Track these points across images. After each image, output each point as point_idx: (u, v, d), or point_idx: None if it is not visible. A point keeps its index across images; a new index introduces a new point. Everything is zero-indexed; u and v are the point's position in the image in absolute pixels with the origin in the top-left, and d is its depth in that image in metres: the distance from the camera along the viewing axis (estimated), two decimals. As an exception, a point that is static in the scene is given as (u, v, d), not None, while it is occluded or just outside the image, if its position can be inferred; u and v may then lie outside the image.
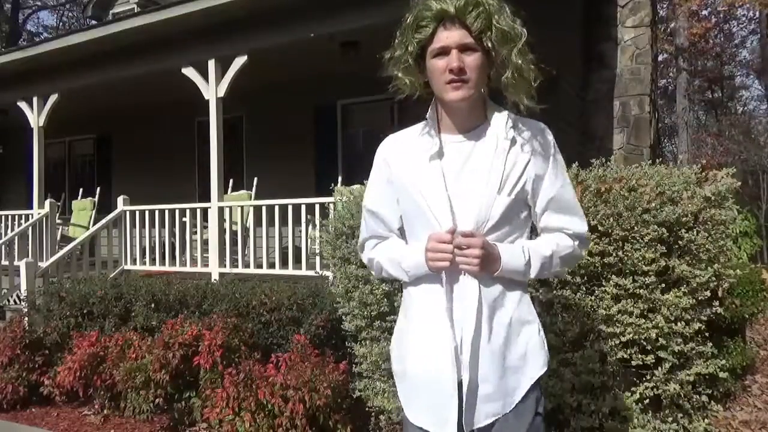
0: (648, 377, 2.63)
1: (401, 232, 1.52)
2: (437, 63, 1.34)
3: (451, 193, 1.37)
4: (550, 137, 1.43)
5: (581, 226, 1.44)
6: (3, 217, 7.88)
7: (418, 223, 1.43)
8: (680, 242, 2.58)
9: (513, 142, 1.38)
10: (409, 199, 1.43)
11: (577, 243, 1.44)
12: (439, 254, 1.33)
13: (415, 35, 1.35)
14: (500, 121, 1.40)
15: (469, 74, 1.32)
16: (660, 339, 2.56)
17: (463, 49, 1.31)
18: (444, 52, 1.32)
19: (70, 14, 25.88)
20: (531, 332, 1.42)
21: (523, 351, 1.40)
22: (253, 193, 7.06)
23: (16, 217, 7.62)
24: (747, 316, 3.52)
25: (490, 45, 1.31)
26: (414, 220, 1.44)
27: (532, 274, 1.39)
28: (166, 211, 6.08)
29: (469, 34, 1.30)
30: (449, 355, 1.35)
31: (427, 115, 1.47)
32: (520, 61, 1.31)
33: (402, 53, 1.38)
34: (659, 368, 2.58)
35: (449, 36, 1.31)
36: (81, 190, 9.09)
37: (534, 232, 1.49)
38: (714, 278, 2.60)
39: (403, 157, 1.47)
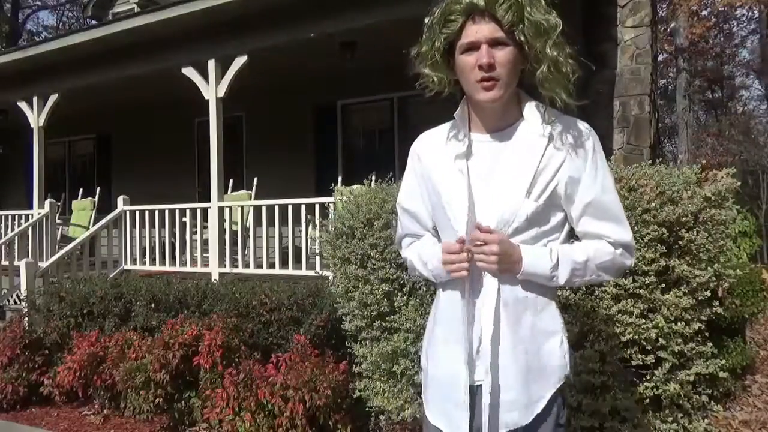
0: (648, 377, 2.62)
1: (435, 230, 1.48)
2: (466, 59, 1.27)
3: (477, 194, 1.33)
4: (592, 137, 1.34)
5: (623, 234, 1.34)
6: (3, 217, 7.88)
7: (440, 223, 1.41)
8: (680, 242, 2.58)
9: (549, 140, 1.31)
10: (434, 199, 1.41)
11: (619, 251, 1.34)
12: (454, 265, 1.29)
13: (443, 30, 1.28)
14: (535, 118, 1.33)
15: (499, 70, 1.25)
16: (660, 339, 2.56)
17: (494, 43, 1.24)
18: (473, 47, 1.25)
19: (70, 14, 25.89)
20: (554, 342, 1.36)
21: (546, 361, 1.34)
22: (253, 193, 7.06)
23: (16, 217, 7.62)
24: (747, 316, 3.52)
25: (523, 38, 1.23)
26: (438, 219, 1.43)
27: (561, 280, 1.32)
28: (166, 211, 6.08)
29: (500, 27, 1.23)
30: (462, 357, 1.33)
31: (456, 114, 1.40)
32: (556, 53, 1.23)
33: (429, 49, 1.31)
34: (659, 368, 2.58)
35: (479, 30, 1.24)
36: (81, 190, 9.08)
37: (575, 236, 1.41)
38: (714, 278, 2.60)
39: (433, 155, 1.43)
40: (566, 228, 1.38)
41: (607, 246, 1.33)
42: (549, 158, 1.30)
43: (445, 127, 1.45)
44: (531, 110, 1.34)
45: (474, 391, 1.34)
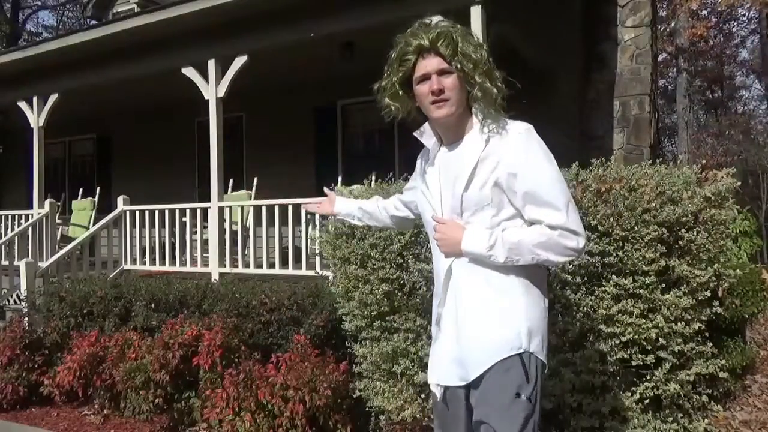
0: (648, 377, 2.62)
1: (416, 213, 1.95)
2: (421, 88, 1.61)
3: (443, 191, 1.66)
4: (527, 135, 1.56)
5: (558, 217, 1.50)
6: (3, 217, 7.87)
7: (424, 209, 1.77)
8: (680, 242, 2.58)
9: (486, 143, 1.57)
10: (420, 196, 1.79)
11: (557, 232, 1.51)
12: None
13: (400, 67, 1.62)
14: (482, 126, 1.60)
15: (447, 93, 1.57)
16: (660, 339, 2.56)
17: (441, 73, 1.57)
18: (425, 77, 1.59)
19: (70, 14, 25.89)
20: (500, 315, 1.56)
21: (486, 330, 1.56)
22: (253, 193, 7.05)
23: (16, 217, 7.62)
24: (747, 316, 3.52)
25: (459, 66, 1.54)
26: (422, 207, 1.79)
27: (500, 258, 1.53)
28: (166, 211, 6.08)
29: (443, 60, 1.56)
30: (433, 326, 1.74)
31: (415, 132, 1.74)
32: (481, 80, 1.54)
33: (388, 83, 1.66)
34: (659, 368, 2.58)
35: (428, 64, 1.58)
36: (81, 190, 9.08)
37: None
38: (714, 278, 2.60)
39: (421, 162, 1.84)
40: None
41: (544, 228, 1.52)
42: (485, 158, 1.56)
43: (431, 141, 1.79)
44: (477, 120, 1.63)
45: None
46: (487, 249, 1.53)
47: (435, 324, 1.73)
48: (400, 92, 1.65)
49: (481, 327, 1.57)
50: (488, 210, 1.57)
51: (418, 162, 1.85)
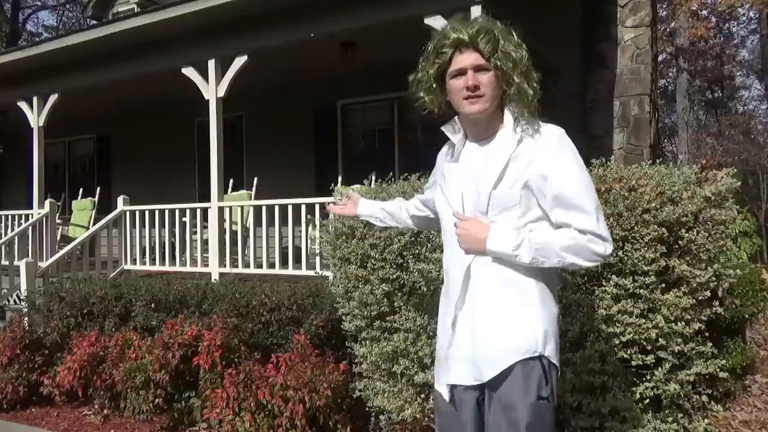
0: (648, 377, 2.62)
1: (435, 214, 1.85)
2: (456, 83, 1.58)
3: (465, 189, 1.62)
4: (560, 138, 1.56)
5: (588, 222, 1.50)
6: (3, 217, 7.88)
7: (441, 214, 1.74)
8: (680, 242, 2.57)
9: (518, 143, 1.55)
10: (438, 192, 1.76)
11: (587, 237, 1.50)
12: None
13: (436, 60, 1.60)
14: (514, 125, 1.59)
15: (482, 90, 1.54)
16: (660, 339, 2.56)
17: (477, 69, 1.54)
18: (461, 72, 1.56)
19: (70, 14, 25.91)
20: (517, 315, 1.55)
21: (503, 330, 1.55)
22: (253, 193, 7.06)
23: (16, 217, 7.62)
24: (747, 316, 3.52)
25: (499, 64, 1.53)
26: (440, 210, 1.76)
27: (525, 258, 1.51)
28: (166, 211, 6.08)
29: (481, 56, 1.54)
30: (445, 326, 1.68)
31: (443, 128, 1.72)
32: (518, 81, 1.53)
33: (424, 75, 1.64)
34: (659, 368, 2.58)
35: (465, 59, 1.55)
36: (81, 190, 9.08)
37: None
38: (714, 278, 2.60)
39: (443, 158, 1.81)
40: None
41: (572, 232, 1.51)
42: (516, 157, 1.54)
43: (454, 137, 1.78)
44: (509, 119, 1.62)
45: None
46: (514, 248, 1.51)
47: (447, 325, 1.66)
48: (434, 85, 1.64)
49: (499, 328, 1.55)
50: (515, 210, 1.55)
51: (439, 159, 1.84)
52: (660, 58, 15.25)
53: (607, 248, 1.52)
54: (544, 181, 1.52)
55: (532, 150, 1.54)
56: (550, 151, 1.53)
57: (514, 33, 1.58)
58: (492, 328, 1.56)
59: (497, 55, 1.52)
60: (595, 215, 1.51)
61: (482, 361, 1.56)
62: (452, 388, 1.65)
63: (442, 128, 1.71)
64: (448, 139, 1.75)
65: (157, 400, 3.61)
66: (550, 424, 1.55)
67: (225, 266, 5.74)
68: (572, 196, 1.51)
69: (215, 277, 5.58)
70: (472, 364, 1.58)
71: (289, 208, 5.32)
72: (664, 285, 2.59)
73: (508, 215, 1.55)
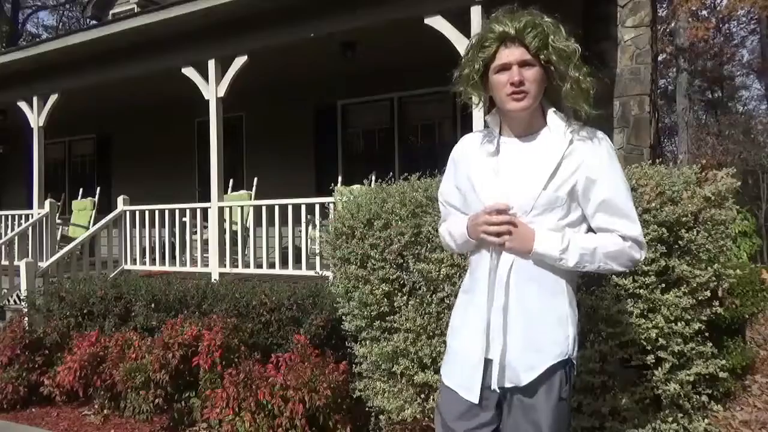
0: (648, 377, 2.62)
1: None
2: (500, 78, 1.52)
3: (504, 186, 1.55)
4: (606, 143, 1.56)
5: (632, 229, 1.53)
6: (3, 217, 7.88)
7: (472, 210, 1.62)
8: (680, 242, 2.58)
9: (569, 144, 1.53)
10: (469, 192, 1.64)
11: (629, 244, 1.52)
12: (493, 227, 1.50)
13: (480, 54, 1.53)
14: (558, 125, 1.56)
15: (528, 86, 1.49)
16: (660, 339, 2.56)
17: (523, 64, 1.49)
18: (506, 68, 1.50)
19: (70, 14, 25.91)
20: (555, 320, 1.53)
21: (543, 334, 1.52)
22: (253, 193, 7.06)
23: (16, 217, 7.62)
24: (747, 316, 3.52)
25: (547, 61, 1.48)
26: (470, 207, 1.64)
27: (570, 263, 1.50)
28: (166, 211, 6.08)
29: (527, 51, 1.48)
30: (473, 328, 1.57)
31: (487, 119, 1.67)
32: (577, 74, 1.49)
33: (470, 71, 1.57)
34: (659, 368, 2.58)
35: (510, 54, 1.50)
36: (81, 190, 9.08)
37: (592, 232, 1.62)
38: (714, 278, 2.60)
39: (468, 155, 1.69)
40: (586, 225, 1.58)
41: (616, 238, 1.52)
42: (568, 159, 1.52)
43: (481, 132, 1.72)
44: (553, 119, 1.58)
45: (487, 360, 1.56)
46: (561, 252, 1.48)
47: (476, 326, 1.57)
48: (478, 80, 1.58)
49: (538, 331, 1.53)
50: (557, 212, 1.52)
51: (462, 154, 1.71)
52: (660, 58, 15.25)
53: (642, 255, 1.55)
54: (593, 184, 1.51)
55: (583, 152, 1.52)
56: (600, 156, 1.52)
57: (562, 27, 1.53)
58: (532, 331, 1.52)
59: (546, 52, 1.47)
60: (638, 223, 1.54)
61: (519, 364, 1.52)
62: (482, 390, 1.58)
63: (486, 118, 1.67)
64: (486, 128, 1.69)
65: (157, 400, 3.61)
66: (567, 423, 1.59)
67: (225, 266, 5.74)
68: (620, 202, 1.52)
69: (215, 277, 5.58)
70: (508, 366, 1.53)
71: (289, 208, 5.32)
72: (664, 285, 2.59)
73: (550, 216, 1.51)
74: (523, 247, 1.50)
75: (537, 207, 1.50)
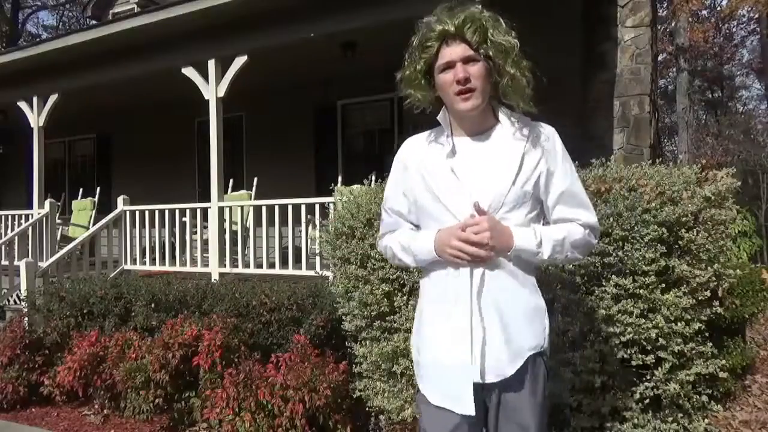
0: (648, 377, 2.62)
1: (417, 228, 1.66)
2: (445, 77, 1.49)
3: (467, 187, 1.50)
4: (558, 138, 1.57)
5: (591, 216, 1.58)
6: (3, 217, 7.87)
7: (434, 219, 1.56)
8: (680, 242, 2.58)
9: (526, 140, 1.52)
10: (426, 197, 1.57)
11: (587, 231, 1.57)
12: (463, 254, 1.45)
13: (422, 55, 1.51)
14: (512, 122, 1.55)
15: (474, 82, 1.47)
16: (660, 339, 2.56)
17: (467, 61, 1.46)
18: (450, 66, 1.48)
19: (70, 14, 25.89)
20: (531, 312, 1.55)
21: (525, 328, 1.53)
22: (253, 193, 7.05)
23: (16, 217, 7.62)
24: (747, 316, 3.52)
25: (487, 55, 1.46)
26: (430, 215, 1.57)
27: (545, 255, 1.51)
28: (166, 211, 6.08)
29: (469, 47, 1.46)
30: (459, 341, 1.50)
31: (439, 119, 1.61)
32: (513, 70, 1.46)
33: (412, 72, 1.54)
34: (659, 368, 2.58)
35: (453, 51, 1.47)
36: (81, 190, 9.08)
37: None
38: (714, 278, 2.60)
39: (419, 158, 1.61)
40: (540, 220, 1.60)
41: (578, 227, 1.56)
42: (528, 154, 1.52)
43: (426, 133, 1.66)
44: (504, 116, 1.57)
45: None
46: (537, 245, 1.49)
47: (453, 334, 1.51)
48: (422, 81, 1.55)
49: (517, 325, 1.52)
50: (525, 207, 1.52)
51: (410, 158, 1.63)
52: (660, 58, 15.25)
53: (597, 240, 1.61)
54: (552, 177, 1.53)
55: (540, 146, 1.53)
56: (556, 149, 1.55)
57: (502, 20, 1.50)
58: (511, 327, 1.51)
59: (486, 45, 1.45)
60: (593, 210, 1.59)
61: (504, 357, 1.50)
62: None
63: (439, 118, 1.61)
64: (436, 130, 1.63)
65: (157, 400, 3.61)
66: (547, 420, 1.61)
67: (225, 266, 5.74)
68: (577, 192, 1.56)
69: (215, 277, 5.58)
70: (491, 360, 1.50)
71: (289, 208, 5.32)
72: (664, 285, 2.59)
73: (518, 212, 1.51)
74: (503, 244, 1.47)
75: (506, 204, 1.49)
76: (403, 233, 1.65)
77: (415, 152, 1.63)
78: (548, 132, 1.57)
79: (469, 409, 1.48)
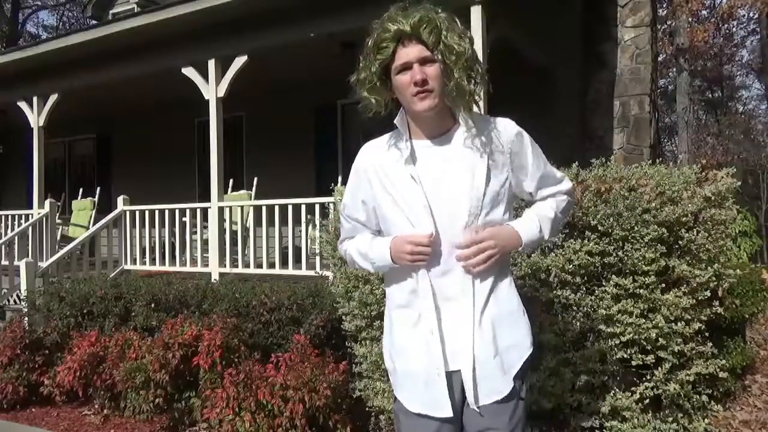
0: (648, 377, 2.62)
1: (379, 233, 1.63)
2: (402, 78, 1.45)
3: (431, 193, 1.47)
4: (519, 128, 1.56)
5: (567, 183, 1.65)
6: (3, 217, 7.88)
7: (395, 226, 1.52)
8: (680, 242, 2.58)
9: (488, 140, 1.49)
10: (387, 204, 1.53)
11: (567, 196, 1.65)
12: (420, 256, 1.44)
13: (377, 56, 1.46)
14: (470, 122, 1.50)
15: (431, 83, 1.42)
16: (660, 339, 2.56)
17: (423, 62, 1.42)
18: (406, 67, 1.44)
19: (70, 14, 25.89)
20: (518, 314, 1.54)
21: (514, 332, 1.52)
22: (253, 193, 7.05)
23: (16, 217, 7.62)
24: (747, 316, 3.52)
25: (441, 57, 1.42)
26: (391, 222, 1.53)
27: (547, 234, 1.57)
28: (166, 211, 6.08)
29: (426, 48, 1.42)
30: (433, 346, 1.47)
31: (396, 123, 1.57)
32: (458, 76, 1.41)
33: (367, 75, 1.50)
34: (659, 368, 2.58)
35: (409, 52, 1.43)
36: (81, 190, 9.08)
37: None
38: (714, 278, 2.60)
39: (378, 165, 1.56)
40: (511, 208, 1.59)
41: (561, 196, 1.63)
42: (495, 153, 1.50)
43: (385, 137, 1.63)
44: (466, 116, 1.51)
45: (449, 373, 1.47)
46: (539, 231, 1.54)
47: (427, 339, 1.47)
48: (378, 83, 1.49)
49: (505, 326, 1.50)
50: (501, 205, 1.50)
51: (360, 173, 1.61)
52: (660, 58, 15.24)
53: (574, 198, 1.71)
54: (523, 169, 1.55)
55: (506, 142, 1.51)
56: (522, 141, 1.54)
57: (457, 21, 1.46)
58: (501, 329, 1.48)
59: (440, 48, 1.41)
60: (565, 174, 1.67)
61: (496, 371, 1.46)
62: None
63: (396, 122, 1.57)
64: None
65: (157, 400, 3.61)
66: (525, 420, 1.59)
67: (225, 266, 5.74)
68: (551, 170, 1.62)
69: (215, 277, 5.58)
70: (483, 378, 1.46)
71: (289, 208, 5.32)
72: (664, 285, 2.59)
73: (496, 211, 1.48)
74: (511, 246, 1.51)
75: (485, 206, 1.46)
76: (362, 240, 1.63)
77: (373, 159, 1.59)
78: (508, 125, 1.54)
79: (448, 411, 1.46)
